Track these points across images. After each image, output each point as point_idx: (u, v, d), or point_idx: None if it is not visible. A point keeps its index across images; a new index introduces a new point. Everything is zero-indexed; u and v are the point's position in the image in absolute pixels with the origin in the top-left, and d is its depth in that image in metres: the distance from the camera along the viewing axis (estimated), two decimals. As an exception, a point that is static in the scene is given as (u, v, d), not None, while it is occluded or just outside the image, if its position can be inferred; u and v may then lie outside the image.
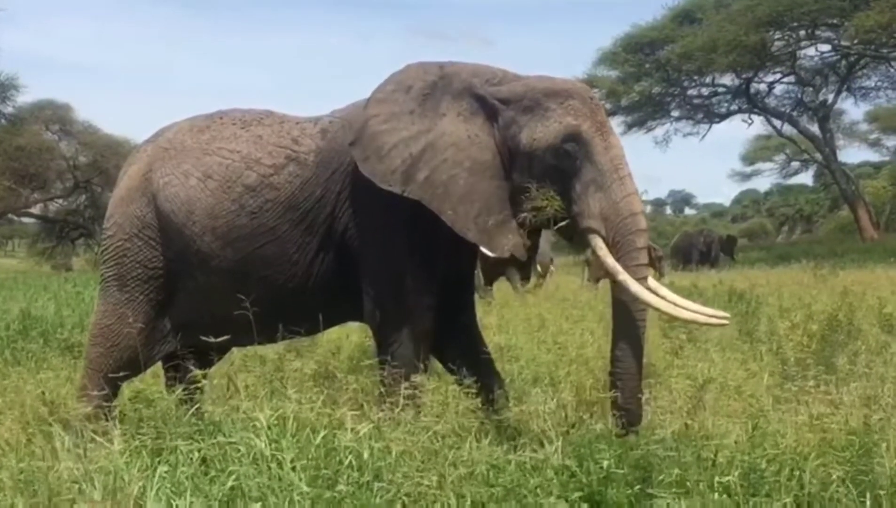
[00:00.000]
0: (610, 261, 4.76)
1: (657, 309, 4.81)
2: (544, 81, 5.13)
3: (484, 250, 5.09)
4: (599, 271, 4.86)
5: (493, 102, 5.04)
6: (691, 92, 42.74)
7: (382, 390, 4.92)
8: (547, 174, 4.88)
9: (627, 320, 4.81)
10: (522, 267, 14.56)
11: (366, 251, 5.13)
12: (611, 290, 4.92)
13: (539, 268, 16.12)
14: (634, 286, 4.70)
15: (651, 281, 4.88)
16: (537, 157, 4.90)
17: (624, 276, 4.71)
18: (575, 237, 5.05)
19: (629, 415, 4.69)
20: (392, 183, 4.96)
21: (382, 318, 5.15)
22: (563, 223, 4.90)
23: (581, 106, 4.95)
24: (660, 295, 4.84)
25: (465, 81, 5.13)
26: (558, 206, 4.85)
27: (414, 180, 4.96)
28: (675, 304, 4.88)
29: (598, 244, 4.80)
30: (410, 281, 5.10)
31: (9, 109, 39.94)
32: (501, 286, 15.62)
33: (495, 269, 14.67)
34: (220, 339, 5.18)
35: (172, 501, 3.72)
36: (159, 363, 5.75)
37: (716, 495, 3.78)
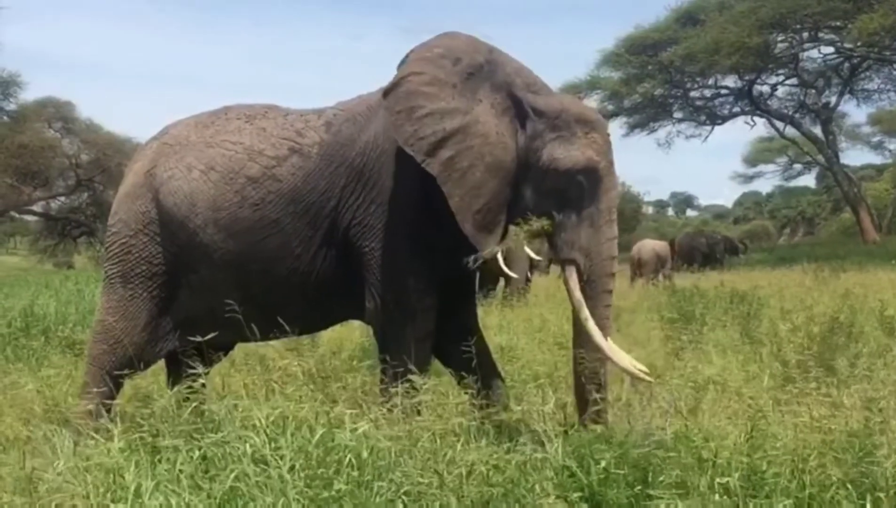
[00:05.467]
0: (577, 295, 4.94)
1: (602, 350, 4.90)
2: (577, 105, 5.27)
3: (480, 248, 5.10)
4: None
5: (527, 108, 5.07)
6: (694, 94, 42.75)
7: (383, 389, 4.92)
8: (552, 195, 4.98)
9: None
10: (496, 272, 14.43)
11: (368, 249, 5.13)
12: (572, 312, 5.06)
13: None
14: (591, 325, 4.88)
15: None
16: (550, 177, 4.98)
17: (586, 314, 4.89)
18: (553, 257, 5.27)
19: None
20: (416, 149, 4.96)
21: (384, 318, 5.15)
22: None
23: (602, 142, 5.05)
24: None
25: (508, 76, 5.15)
26: (548, 226, 4.99)
27: (437, 156, 4.96)
28: (612, 350, 4.99)
29: (573, 277, 4.97)
30: (413, 281, 5.10)
31: (11, 107, 39.97)
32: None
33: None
34: (222, 336, 5.18)
35: (171, 499, 3.72)
36: (162, 361, 5.74)
37: (716, 496, 3.77)
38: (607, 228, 4.98)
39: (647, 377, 5.06)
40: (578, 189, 4.95)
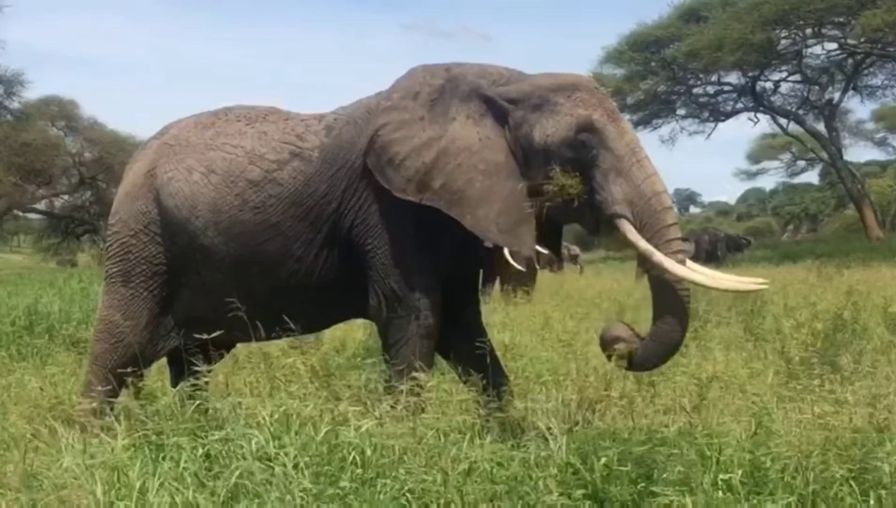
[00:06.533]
0: (642, 243, 4.75)
1: (695, 283, 4.80)
2: (550, 77, 5.14)
3: (508, 249, 5.06)
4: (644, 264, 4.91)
5: (501, 102, 5.04)
6: (697, 90, 42.66)
7: (386, 386, 4.92)
8: (564, 168, 4.87)
9: (671, 294, 4.77)
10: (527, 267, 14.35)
11: (372, 248, 5.13)
12: (647, 273, 4.91)
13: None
14: (670, 264, 4.69)
15: (688, 261, 4.89)
16: (553, 152, 4.91)
17: (659, 256, 4.70)
18: (601, 227, 5.02)
19: (639, 365, 4.88)
20: (409, 192, 4.97)
21: (388, 315, 5.15)
22: (577, 212, 4.92)
23: (589, 97, 4.98)
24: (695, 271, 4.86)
25: (472, 83, 5.13)
26: (579, 184, 4.84)
27: (430, 188, 4.96)
28: (712, 277, 4.91)
29: (627, 228, 4.80)
30: (416, 279, 5.10)
31: (14, 105, 39.84)
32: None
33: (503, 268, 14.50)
34: (223, 335, 5.19)
35: (175, 496, 3.73)
36: (164, 359, 5.76)
37: (719, 493, 3.77)
38: (637, 170, 4.83)
39: (761, 285, 5.09)
40: (586, 150, 4.87)
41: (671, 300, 4.77)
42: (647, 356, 4.87)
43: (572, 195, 4.86)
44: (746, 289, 5.16)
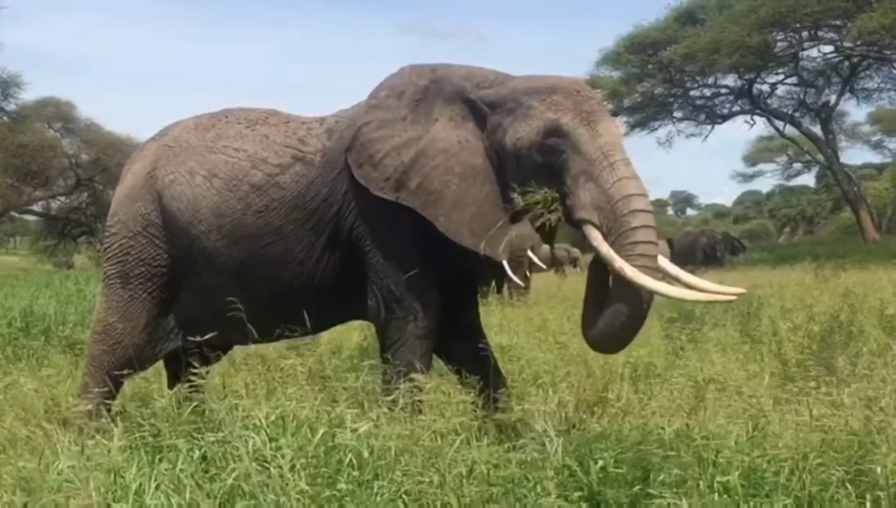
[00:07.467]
0: (604, 249, 4.61)
1: (659, 293, 4.64)
2: (529, 80, 5.08)
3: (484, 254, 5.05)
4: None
5: (481, 106, 5.04)
6: (694, 93, 42.67)
7: (384, 388, 4.92)
8: (537, 173, 4.82)
9: (629, 290, 4.60)
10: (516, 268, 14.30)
11: (371, 250, 5.13)
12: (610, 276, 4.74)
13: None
14: (631, 271, 4.51)
15: (663, 261, 4.78)
16: (523, 157, 4.86)
17: (620, 263, 4.54)
18: (576, 232, 4.92)
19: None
20: (385, 190, 4.98)
21: (386, 316, 5.14)
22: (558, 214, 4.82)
23: (563, 100, 4.87)
24: (672, 275, 4.78)
25: (457, 85, 5.13)
26: (550, 197, 4.77)
27: (406, 188, 4.97)
28: (685, 284, 4.81)
29: (592, 234, 4.68)
30: (414, 279, 5.09)
31: (11, 107, 39.90)
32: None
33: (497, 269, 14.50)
34: (223, 337, 5.19)
35: (172, 498, 3.72)
36: (161, 361, 5.75)
37: (716, 495, 3.77)
38: (608, 173, 4.66)
39: (729, 296, 4.95)
40: (555, 154, 4.78)
41: (627, 294, 4.62)
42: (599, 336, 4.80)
43: (539, 212, 4.81)
44: (710, 300, 4.98)
